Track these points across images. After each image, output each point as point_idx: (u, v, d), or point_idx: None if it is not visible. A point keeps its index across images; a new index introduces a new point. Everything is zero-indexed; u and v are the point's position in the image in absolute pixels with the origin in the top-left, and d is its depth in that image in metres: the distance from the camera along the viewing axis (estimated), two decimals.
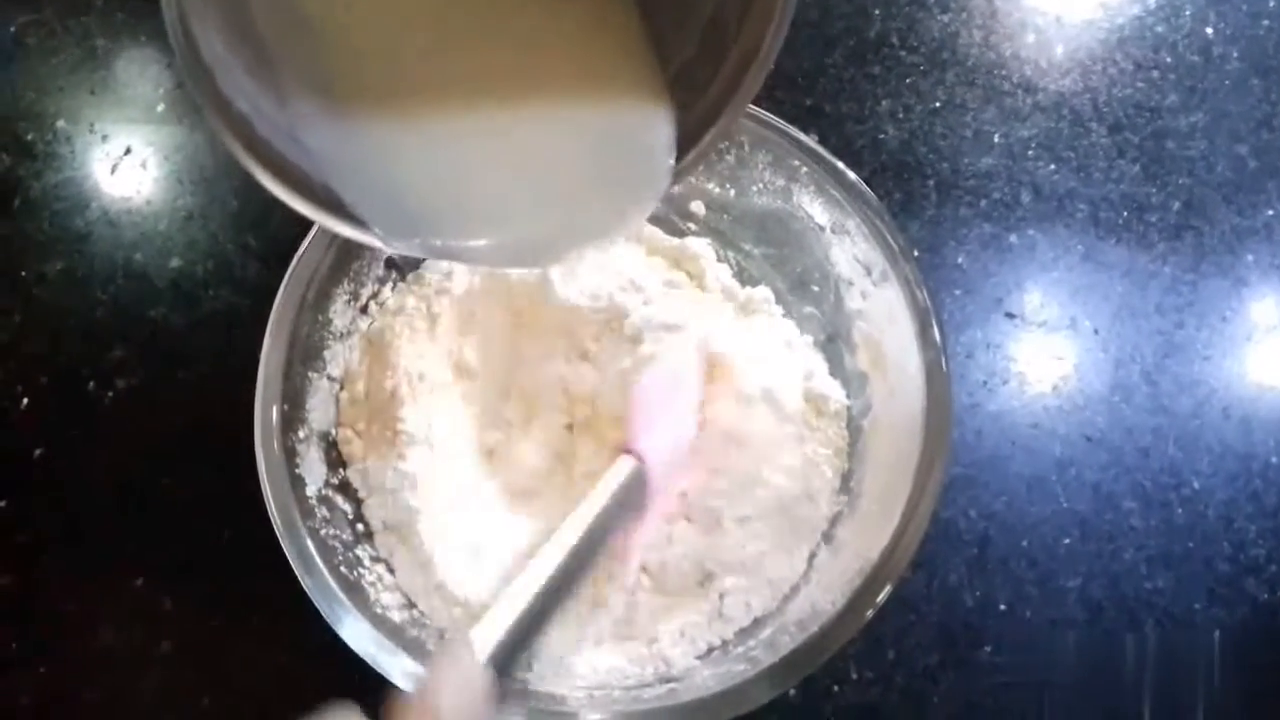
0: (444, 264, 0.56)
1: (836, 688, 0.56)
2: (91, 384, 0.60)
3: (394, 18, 0.35)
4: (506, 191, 0.37)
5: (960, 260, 0.66)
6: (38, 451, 0.59)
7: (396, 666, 0.45)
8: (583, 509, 0.46)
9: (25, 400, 0.60)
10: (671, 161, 0.37)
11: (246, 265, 0.64)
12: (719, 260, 0.59)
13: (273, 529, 0.47)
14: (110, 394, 0.60)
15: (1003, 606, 0.58)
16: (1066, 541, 0.60)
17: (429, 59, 0.35)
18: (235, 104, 0.33)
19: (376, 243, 0.36)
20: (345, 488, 0.52)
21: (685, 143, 0.37)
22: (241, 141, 0.33)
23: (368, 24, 0.34)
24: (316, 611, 0.46)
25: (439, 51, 0.35)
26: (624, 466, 0.48)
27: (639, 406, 0.50)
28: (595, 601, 0.51)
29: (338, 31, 0.34)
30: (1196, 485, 0.62)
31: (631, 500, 0.48)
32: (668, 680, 0.49)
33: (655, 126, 0.37)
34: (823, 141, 0.54)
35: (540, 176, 0.37)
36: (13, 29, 0.69)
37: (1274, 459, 0.62)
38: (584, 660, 0.50)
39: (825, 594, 0.48)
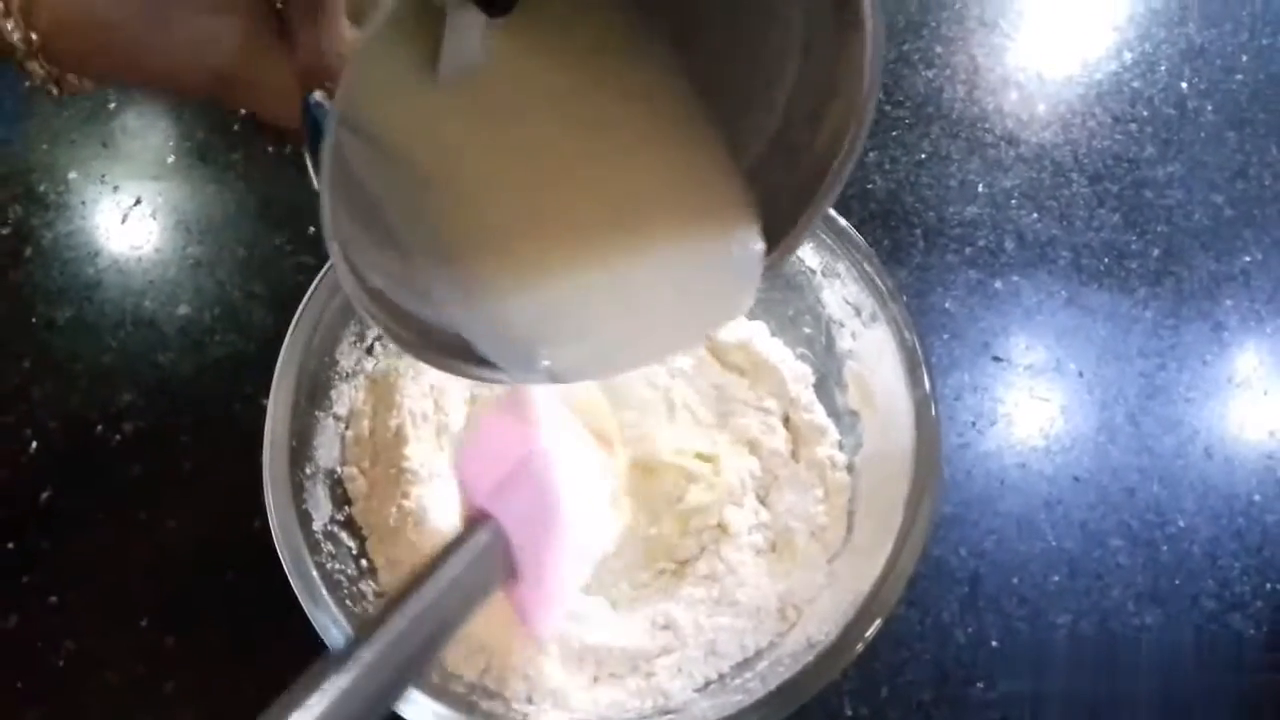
0: None
1: None
2: (99, 427, 0.62)
3: (494, 173, 0.37)
4: (611, 316, 0.39)
5: (947, 305, 0.68)
6: (45, 494, 0.60)
7: (401, 698, 0.45)
8: (429, 579, 0.41)
9: (34, 443, 0.61)
10: (759, 269, 0.39)
11: (252, 311, 0.65)
12: None
13: (276, 570, 0.47)
14: (118, 437, 0.61)
15: (994, 643, 0.59)
16: (1055, 579, 0.61)
17: (531, 207, 0.38)
18: (369, 280, 0.34)
19: (506, 380, 0.38)
20: (350, 524, 0.53)
21: (768, 239, 0.39)
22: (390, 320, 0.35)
23: (474, 182, 0.37)
24: (320, 651, 0.46)
25: (541, 200, 0.38)
26: (474, 532, 0.44)
27: (464, 466, 0.47)
28: None
29: (448, 192, 0.37)
30: (1181, 523, 0.63)
31: (490, 564, 0.44)
32: (666, 712, 0.50)
33: (744, 243, 0.39)
34: None
35: (642, 298, 0.39)
36: (27, 83, 0.71)
37: (1256, 497, 0.64)
38: (584, 694, 0.51)
39: (820, 626, 0.49)
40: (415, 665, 0.40)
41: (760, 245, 0.39)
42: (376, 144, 0.35)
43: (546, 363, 0.38)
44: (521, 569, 0.45)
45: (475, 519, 0.44)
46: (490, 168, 0.37)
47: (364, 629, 0.38)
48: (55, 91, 0.34)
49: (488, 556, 0.44)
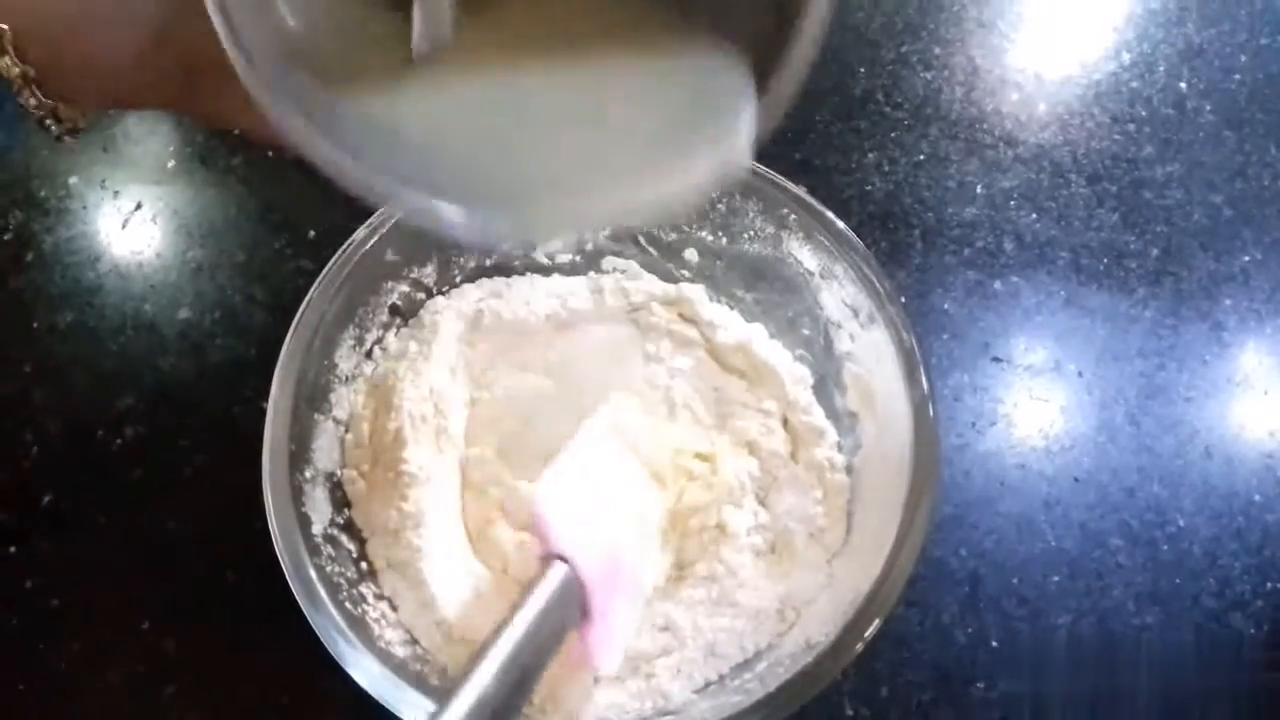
0: (448, 312, 0.58)
1: None
2: (100, 432, 0.62)
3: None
4: (573, 143, 0.35)
5: (946, 306, 0.68)
6: (46, 498, 0.60)
7: (401, 700, 0.45)
8: (513, 624, 0.42)
9: (35, 448, 0.61)
10: (751, 106, 0.34)
11: (252, 315, 0.65)
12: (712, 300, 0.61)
13: (276, 572, 0.47)
14: (119, 441, 0.61)
15: (994, 643, 0.59)
16: (1055, 579, 0.61)
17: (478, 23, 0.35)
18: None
19: (460, 219, 0.33)
20: (349, 527, 0.53)
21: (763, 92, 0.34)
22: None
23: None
24: (320, 654, 0.46)
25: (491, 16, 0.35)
26: (554, 575, 0.45)
27: (546, 509, 0.48)
28: None
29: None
30: (1181, 523, 0.63)
31: (568, 606, 0.45)
32: (666, 714, 0.50)
33: (730, 70, 0.34)
34: (811, 194, 0.56)
35: (610, 122, 0.35)
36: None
37: (1256, 497, 0.64)
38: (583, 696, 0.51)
39: (819, 627, 0.49)
40: (507, 712, 0.41)
41: (750, 77, 0.34)
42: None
43: (501, 205, 0.33)
44: (592, 609, 0.47)
45: (550, 561, 0.46)
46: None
47: (457, 679, 0.40)
48: (51, 126, 0.34)
49: (566, 598, 0.45)
